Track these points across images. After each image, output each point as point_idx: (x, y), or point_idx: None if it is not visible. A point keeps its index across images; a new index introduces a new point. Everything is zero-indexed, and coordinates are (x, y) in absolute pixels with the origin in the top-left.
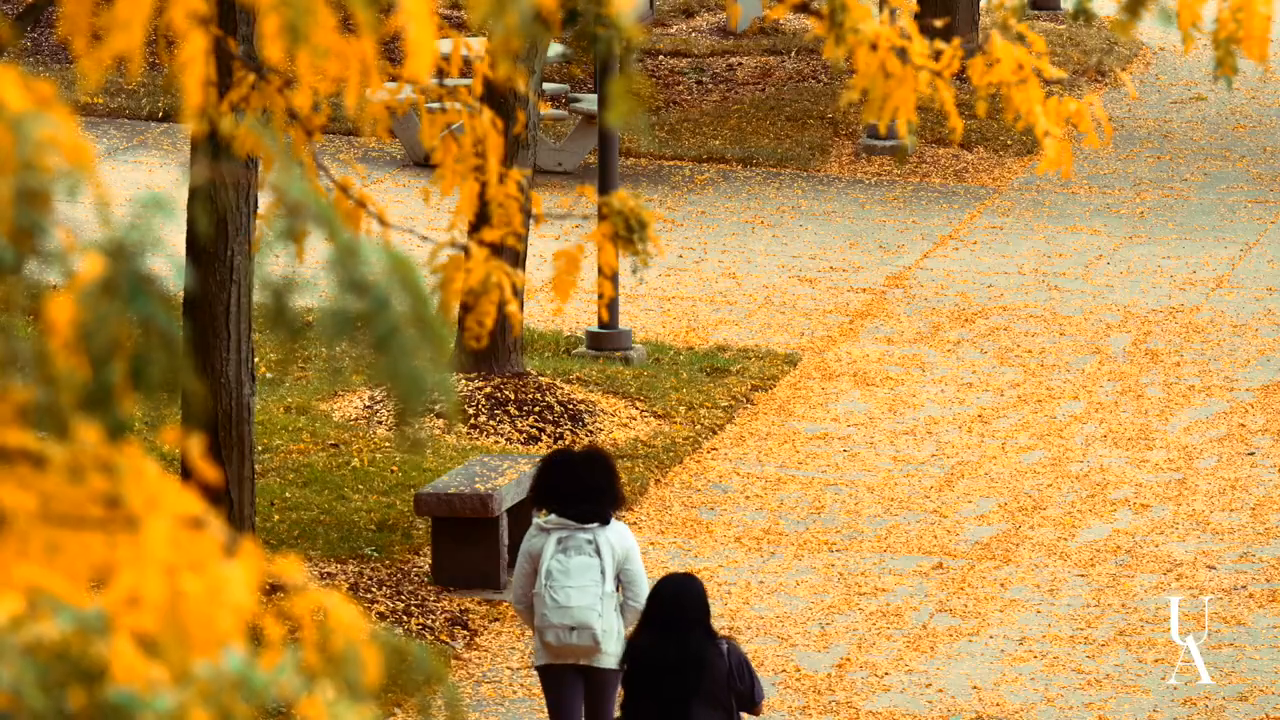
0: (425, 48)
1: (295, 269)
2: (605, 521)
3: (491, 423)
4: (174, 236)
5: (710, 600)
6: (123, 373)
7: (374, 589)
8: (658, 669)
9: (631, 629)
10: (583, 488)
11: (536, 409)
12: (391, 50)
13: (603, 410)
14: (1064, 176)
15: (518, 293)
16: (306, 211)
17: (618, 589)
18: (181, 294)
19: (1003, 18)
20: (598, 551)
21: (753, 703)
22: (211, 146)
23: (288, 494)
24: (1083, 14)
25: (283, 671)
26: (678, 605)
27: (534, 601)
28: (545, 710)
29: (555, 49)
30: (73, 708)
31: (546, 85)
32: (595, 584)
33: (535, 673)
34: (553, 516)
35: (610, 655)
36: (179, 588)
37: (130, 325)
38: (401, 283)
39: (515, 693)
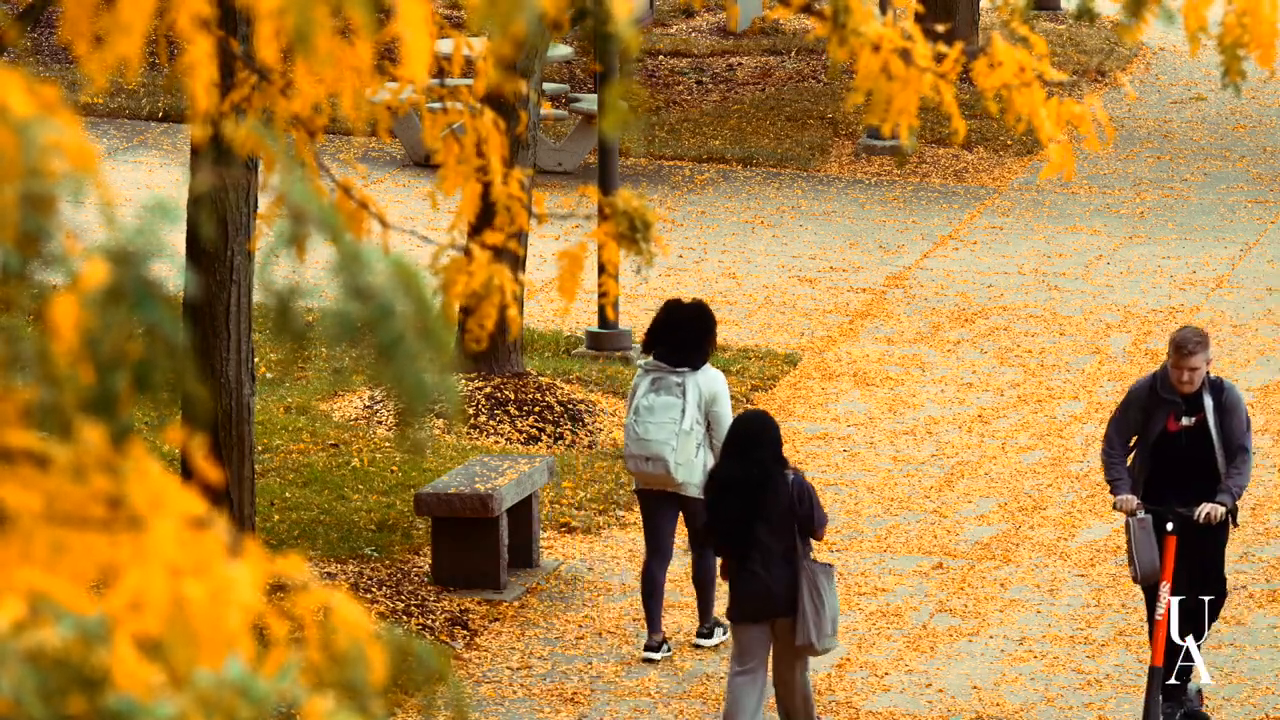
0: (420, 53)
1: (296, 271)
2: (696, 367)
3: (491, 423)
4: (174, 237)
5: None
6: (127, 379)
7: (374, 589)
8: (729, 491)
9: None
10: (678, 336)
11: (536, 409)
12: (393, 50)
13: (603, 410)
14: (1066, 179)
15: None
16: (309, 216)
17: (707, 429)
18: (181, 294)
19: (1006, 19)
20: (684, 393)
21: (813, 526)
22: (213, 148)
23: (288, 494)
24: (1085, 13)
25: (284, 678)
26: (750, 436)
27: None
28: (546, 711)
29: (556, 49)
30: (73, 715)
31: (546, 85)
32: (674, 421)
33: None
34: (651, 359)
35: (697, 485)
36: (183, 589)
37: (135, 331)
38: (404, 288)
39: (515, 693)
